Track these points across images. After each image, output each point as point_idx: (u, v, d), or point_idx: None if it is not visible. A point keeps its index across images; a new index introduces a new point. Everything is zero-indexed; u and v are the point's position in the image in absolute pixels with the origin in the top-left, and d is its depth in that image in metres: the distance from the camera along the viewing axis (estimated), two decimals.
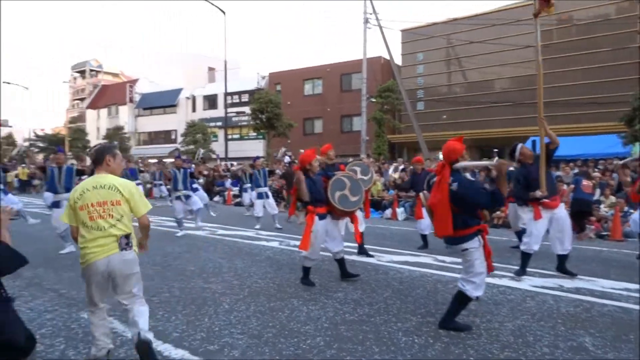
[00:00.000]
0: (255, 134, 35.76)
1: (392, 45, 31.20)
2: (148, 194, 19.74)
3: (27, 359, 3.13)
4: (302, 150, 6.75)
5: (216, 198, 19.55)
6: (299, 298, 5.10)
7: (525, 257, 6.14)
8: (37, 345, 3.36)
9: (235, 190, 19.02)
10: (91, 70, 62.90)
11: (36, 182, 24.67)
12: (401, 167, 17.20)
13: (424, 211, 7.73)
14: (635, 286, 5.50)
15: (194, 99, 42.96)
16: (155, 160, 25.88)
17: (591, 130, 21.30)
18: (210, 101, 41.70)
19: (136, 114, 47.99)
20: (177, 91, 44.43)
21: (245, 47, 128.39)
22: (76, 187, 3.36)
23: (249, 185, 13.24)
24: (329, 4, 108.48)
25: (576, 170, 13.28)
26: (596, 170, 13.63)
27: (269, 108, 29.13)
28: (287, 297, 5.16)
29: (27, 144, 48.50)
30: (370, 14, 23.07)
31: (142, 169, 21.97)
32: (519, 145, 6.26)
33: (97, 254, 3.17)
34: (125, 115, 47.77)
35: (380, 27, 22.19)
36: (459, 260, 4.36)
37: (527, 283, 5.73)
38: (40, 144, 45.30)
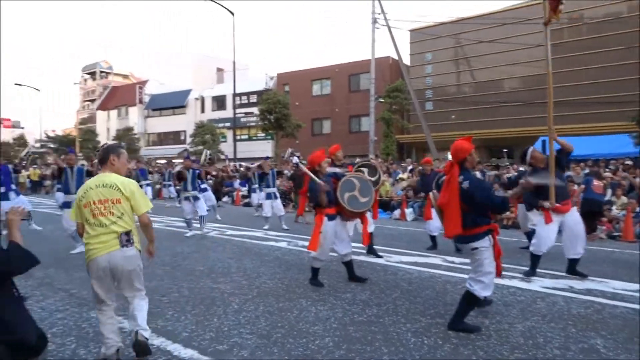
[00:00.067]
0: (263, 134, 35.85)
1: (401, 45, 31.03)
2: (157, 194, 19.89)
3: (38, 357, 3.16)
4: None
5: (225, 198, 19.62)
6: (308, 298, 5.11)
7: (535, 259, 6.10)
8: (48, 344, 3.40)
9: (244, 190, 19.08)
10: (101, 72, 63.50)
11: (47, 182, 24.92)
12: (410, 167, 17.15)
13: (433, 212, 7.71)
14: None
15: (202, 99, 43.17)
16: (164, 161, 26.05)
17: (602, 130, 21.10)
18: (219, 102, 41.88)
19: (146, 115, 48.31)
20: (186, 92, 44.68)
21: (253, 48, 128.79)
22: (82, 186, 3.47)
23: (257, 185, 13.29)
24: (337, 4, 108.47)
25: (587, 171, 13.15)
26: (607, 170, 13.50)
27: (277, 108, 29.19)
28: (296, 297, 5.16)
29: (38, 145, 49.05)
30: (379, 14, 23.03)
31: (151, 169, 22.13)
32: (530, 149, 6.19)
33: (99, 250, 3.26)
34: (134, 116, 48.11)
35: (389, 27, 22.14)
36: (468, 261, 4.34)
37: (537, 284, 5.69)
38: (52, 145, 45.76)
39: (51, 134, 50.06)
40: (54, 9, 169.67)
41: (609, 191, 11.29)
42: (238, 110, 33.77)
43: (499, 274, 4.14)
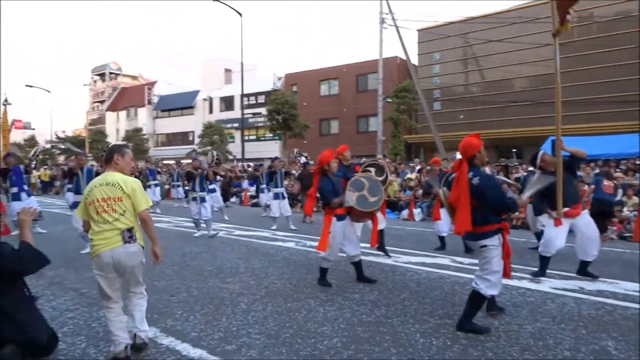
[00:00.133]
0: (271, 135, 35.92)
1: (408, 45, 30.98)
2: (166, 195, 19.99)
3: (49, 356, 3.20)
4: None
5: (233, 199, 19.67)
6: (316, 299, 5.11)
7: (544, 260, 6.05)
8: (59, 343, 3.44)
9: (252, 190, 19.12)
10: (110, 73, 63.94)
11: (57, 183, 25.15)
12: (418, 167, 17.09)
13: (442, 212, 7.70)
14: None
15: (211, 100, 43.34)
16: (172, 162, 26.16)
17: (612, 130, 20.85)
18: (227, 102, 42.02)
19: (154, 116, 48.60)
20: (195, 93, 44.90)
21: (261, 49, 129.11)
22: (88, 184, 3.61)
23: (265, 185, 13.32)
24: (345, 5, 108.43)
25: (597, 171, 13.02)
26: (618, 170, 13.35)
27: (285, 109, 29.23)
28: (304, 297, 5.17)
29: (49, 145, 49.49)
30: (387, 14, 22.98)
31: (159, 170, 22.24)
32: (541, 152, 6.14)
33: (102, 246, 3.38)
34: (143, 117, 48.42)
35: (397, 27, 22.06)
36: (477, 261, 4.32)
37: (547, 285, 5.64)
38: (62, 146, 46.17)
39: (61, 135, 50.49)
40: (63, 10, 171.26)
41: (620, 191, 11.18)
42: (246, 111, 33.85)
43: (508, 275, 4.12)
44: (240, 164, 25.22)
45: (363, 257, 6.11)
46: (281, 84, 38.00)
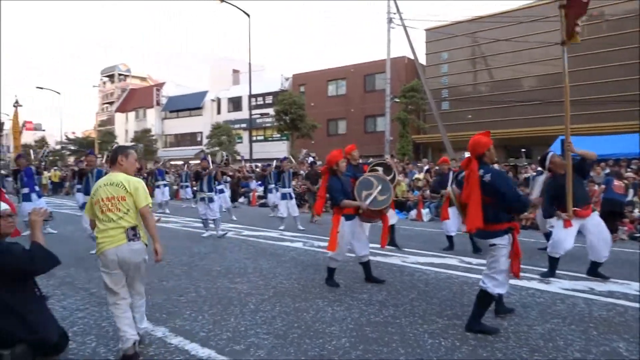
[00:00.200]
0: (279, 135, 35.99)
1: (416, 44, 30.84)
2: (175, 195, 20.10)
3: (60, 356, 3.22)
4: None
5: (241, 199, 19.73)
6: (324, 299, 5.11)
7: (553, 261, 6.01)
8: (69, 342, 3.47)
9: (260, 191, 19.16)
10: (120, 75, 64.43)
11: (67, 184, 25.36)
12: (426, 167, 17.04)
13: (450, 212, 7.65)
14: None
15: (219, 101, 43.50)
16: (181, 162, 26.28)
17: (623, 129, 20.64)
18: (235, 103, 42.15)
19: (163, 117, 48.88)
20: (203, 94, 45.08)
21: (269, 49, 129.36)
22: (94, 184, 3.73)
23: (273, 185, 13.34)
24: (352, 4, 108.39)
25: (607, 171, 12.90)
26: (629, 170, 13.21)
27: (293, 109, 29.26)
28: (312, 297, 5.17)
29: (59, 147, 49.95)
30: (394, 13, 22.89)
31: (167, 170, 22.37)
32: (550, 154, 6.10)
33: (107, 243, 3.46)
34: (152, 118, 48.71)
35: (404, 27, 21.97)
36: (485, 261, 4.30)
37: (556, 285, 5.60)
38: (72, 147, 46.56)
39: (71, 136, 50.94)
40: (72, 12, 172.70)
41: (631, 191, 11.06)
42: (254, 111, 33.93)
43: (517, 275, 4.09)
44: (248, 164, 25.29)
45: (371, 258, 6.10)
46: (289, 85, 38.04)
